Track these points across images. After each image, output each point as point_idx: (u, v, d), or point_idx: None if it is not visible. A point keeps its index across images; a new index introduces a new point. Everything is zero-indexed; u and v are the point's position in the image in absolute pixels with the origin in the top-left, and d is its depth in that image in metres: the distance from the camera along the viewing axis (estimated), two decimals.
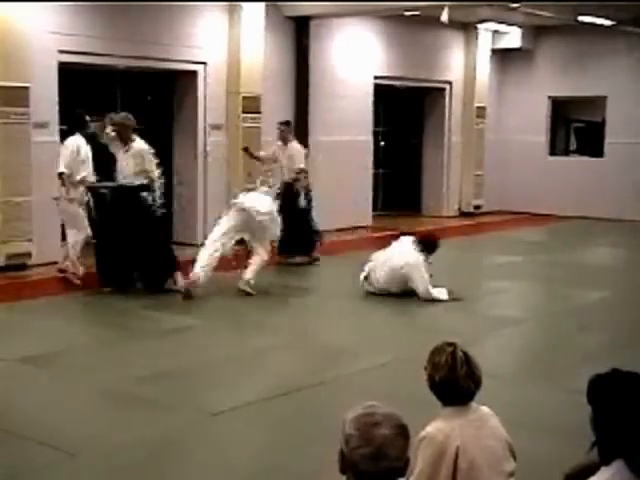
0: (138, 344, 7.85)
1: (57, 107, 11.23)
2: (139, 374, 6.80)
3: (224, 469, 5.15)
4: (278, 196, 10.97)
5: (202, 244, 10.23)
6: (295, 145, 12.28)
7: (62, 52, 11.24)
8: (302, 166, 12.05)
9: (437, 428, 3.47)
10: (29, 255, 10.72)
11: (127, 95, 13.60)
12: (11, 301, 9.39)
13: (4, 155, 10.50)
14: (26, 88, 10.60)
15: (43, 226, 10.88)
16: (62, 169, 9.86)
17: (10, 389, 6.65)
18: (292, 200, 11.68)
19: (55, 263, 10.54)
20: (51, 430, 5.65)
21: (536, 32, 18.08)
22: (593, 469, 3.13)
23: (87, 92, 12.91)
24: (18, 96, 10.52)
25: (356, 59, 15.53)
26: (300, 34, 14.45)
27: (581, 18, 15.08)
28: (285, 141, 12.18)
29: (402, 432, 2.63)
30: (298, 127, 14.43)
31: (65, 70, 11.38)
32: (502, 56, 18.58)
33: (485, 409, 3.63)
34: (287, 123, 12.47)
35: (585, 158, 18.80)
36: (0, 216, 10.50)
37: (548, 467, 4.05)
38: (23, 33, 10.57)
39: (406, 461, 2.64)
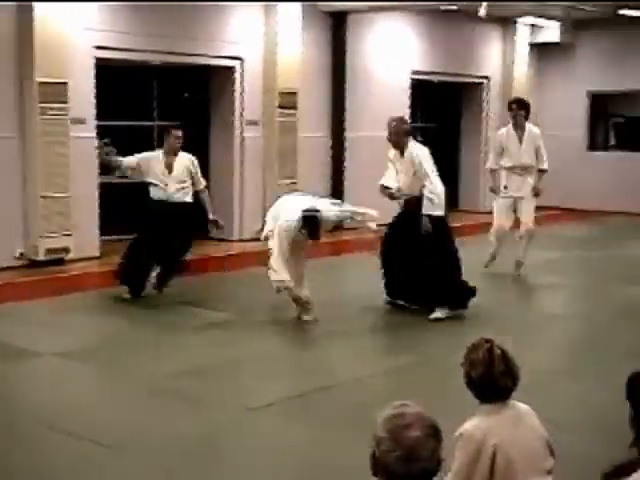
0: (175, 339, 7.87)
1: (94, 103, 11.32)
2: (178, 369, 6.83)
3: (263, 466, 5.15)
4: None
5: (243, 240, 10.05)
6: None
7: (99, 48, 11.32)
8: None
9: (474, 425, 3.44)
10: (67, 250, 10.80)
11: (164, 91, 13.68)
12: (50, 296, 9.47)
13: (43, 150, 10.60)
14: (64, 84, 10.70)
15: (81, 221, 10.97)
16: None
17: (51, 384, 6.72)
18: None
19: (93, 258, 10.61)
20: (93, 425, 5.68)
21: (575, 26, 17.85)
22: (633, 467, 3.08)
23: (124, 88, 13.01)
24: (56, 92, 10.61)
25: (393, 54, 15.45)
26: (337, 29, 14.42)
27: (621, 11, 14.90)
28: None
29: (433, 433, 2.61)
30: (334, 123, 14.43)
31: (102, 66, 11.46)
32: (541, 50, 18.40)
33: (523, 406, 3.59)
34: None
35: (624, 153, 18.56)
36: (40, 211, 10.60)
37: (587, 465, 4.00)
38: (60, 30, 10.66)
39: (438, 462, 2.61)
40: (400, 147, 8.60)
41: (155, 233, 9.26)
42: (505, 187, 10.85)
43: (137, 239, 9.51)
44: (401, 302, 8.93)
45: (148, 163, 9.47)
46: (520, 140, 10.78)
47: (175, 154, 9.50)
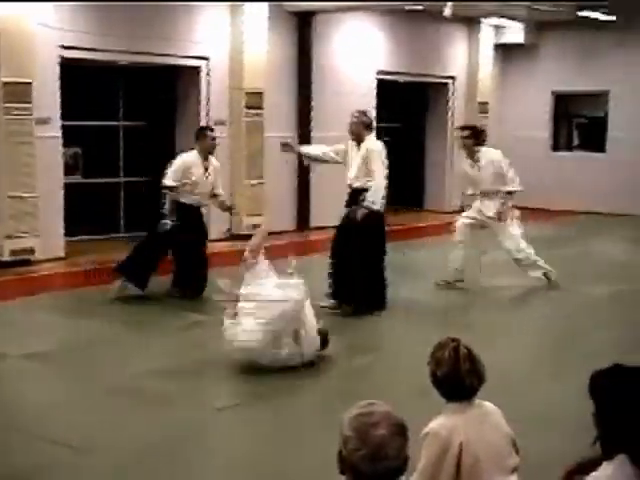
0: (144, 339, 7.85)
1: (60, 103, 11.25)
2: (147, 369, 6.81)
3: (229, 465, 5.17)
4: None
5: (209, 240, 10.01)
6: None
7: (64, 48, 11.26)
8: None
9: (440, 424, 3.48)
10: (32, 251, 10.72)
11: (130, 91, 13.63)
12: (15, 297, 9.39)
13: (8, 150, 10.51)
14: (28, 84, 10.62)
15: (46, 222, 10.90)
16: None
17: (17, 386, 6.68)
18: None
19: (58, 259, 10.55)
20: (60, 427, 5.66)
21: (539, 27, 18.04)
22: (595, 464, 3.14)
23: (90, 88, 12.95)
24: (20, 92, 10.55)
25: (359, 54, 15.51)
26: (303, 29, 14.44)
27: (582, 13, 15.08)
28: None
29: (400, 431, 2.61)
30: (300, 123, 14.45)
31: (68, 66, 11.39)
32: (505, 51, 18.57)
33: (489, 405, 3.63)
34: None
35: (587, 153, 18.78)
36: (7, 211, 10.51)
37: (551, 462, 4.06)
38: (25, 29, 10.59)
39: (405, 460, 2.63)
40: (358, 138, 8.76)
41: (176, 237, 9.13)
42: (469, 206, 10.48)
43: (153, 239, 9.32)
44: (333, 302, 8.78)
45: (189, 169, 9.23)
46: (473, 167, 10.18)
47: (211, 154, 9.32)
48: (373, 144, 8.80)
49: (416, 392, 5.12)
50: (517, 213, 10.26)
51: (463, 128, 10.57)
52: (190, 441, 5.40)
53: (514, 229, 10.11)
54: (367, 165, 8.62)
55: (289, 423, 5.88)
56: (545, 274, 10.21)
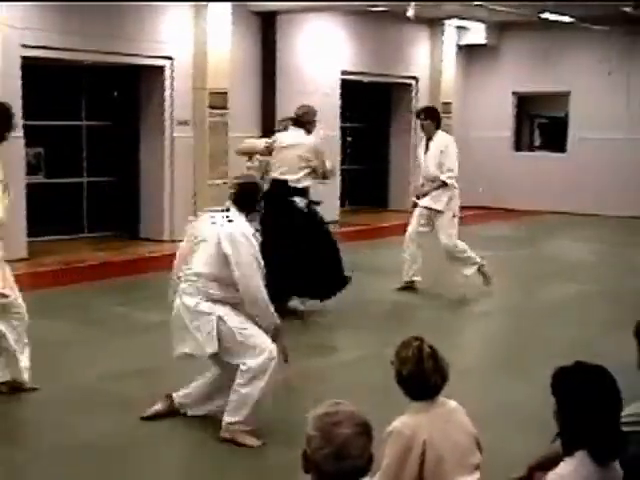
0: (106, 340, 7.78)
1: (21, 102, 11.13)
2: (106, 371, 6.76)
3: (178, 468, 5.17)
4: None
5: (174, 240, 9.95)
6: None
7: (25, 47, 11.14)
8: None
9: (404, 422, 3.51)
10: None
11: (93, 91, 13.54)
12: None
13: None
14: None
15: (9, 222, 10.77)
16: None
17: None
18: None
19: (21, 260, 10.44)
20: (16, 429, 5.61)
21: (500, 28, 18.22)
22: (556, 460, 3.19)
23: (52, 87, 12.85)
24: None
25: (323, 54, 15.54)
26: (266, 29, 14.44)
27: (543, 15, 15.24)
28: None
29: (364, 430, 2.62)
30: (265, 123, 14.44)
31: (30, 65, 11.29)
32: (468, 52, 18.71)
33: (452, 403, 3.67)
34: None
35: (549, 153, 18.98)
36: None
37: (513, 459, 4.10)
38: None
39: (369, 459, 2.64)
40: (307, 129, 8.65)
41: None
42: (417, 197, 9.96)
43: None
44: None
45: None
46: (426, 150, 9.76)
47: None
48: (317, 138, 8.87)
49: (379, 391, 5.15)
50: (457, 210, 9.82)
51: (419, 113, 10.14)
52: (144, 444, 5.36)
53: (452, 225, 9.73)
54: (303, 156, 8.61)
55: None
56: (480, 270, 9.79)
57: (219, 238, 5.21)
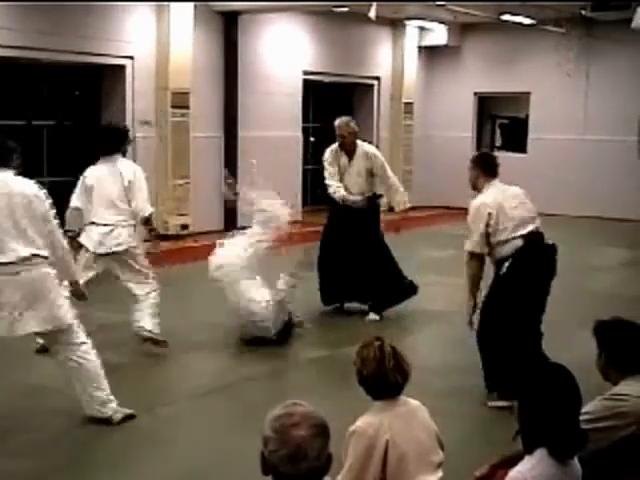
0: None
1: None
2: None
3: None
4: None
5: None
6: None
7: None
8: None
9: (367, 422, 3.53)
10: None
11: (54, 90, 13.41)
12: None
13: None
14: None
15: None
16: None
17: None
18: None
19: None
20: None
21: (462, 29, 18.35)
22: (518, 458, 3.23)
23: (10, 86, 12.70)
24: None
25: (285, 54, 15.54)
26: (229, 29, 14.39)
27: (503, 17, 15.37)
28: None
29: (321, 432, 2.61)
30: (227, 122, 14.41)
31: None
32: (429, 53, 18.80)
33: (414, 402, 3.70)
34: None
35: (509, 154, 19.12)
36: None
37: (475, 458, 4.14)
38: None
39: (327, 460, 2.63)
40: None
41: None
42: None
43: None
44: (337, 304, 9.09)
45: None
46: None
47: None
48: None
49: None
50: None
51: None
52: (94, 448, 5.34)
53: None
54: None
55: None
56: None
57: None
